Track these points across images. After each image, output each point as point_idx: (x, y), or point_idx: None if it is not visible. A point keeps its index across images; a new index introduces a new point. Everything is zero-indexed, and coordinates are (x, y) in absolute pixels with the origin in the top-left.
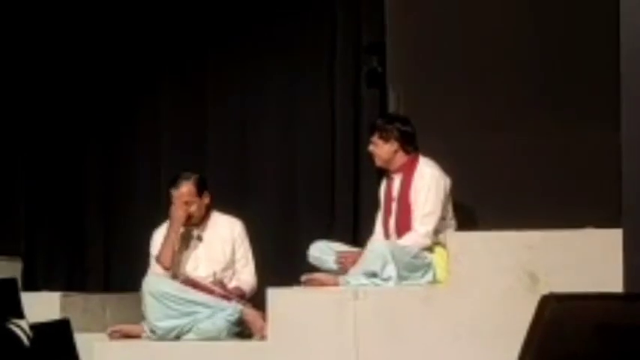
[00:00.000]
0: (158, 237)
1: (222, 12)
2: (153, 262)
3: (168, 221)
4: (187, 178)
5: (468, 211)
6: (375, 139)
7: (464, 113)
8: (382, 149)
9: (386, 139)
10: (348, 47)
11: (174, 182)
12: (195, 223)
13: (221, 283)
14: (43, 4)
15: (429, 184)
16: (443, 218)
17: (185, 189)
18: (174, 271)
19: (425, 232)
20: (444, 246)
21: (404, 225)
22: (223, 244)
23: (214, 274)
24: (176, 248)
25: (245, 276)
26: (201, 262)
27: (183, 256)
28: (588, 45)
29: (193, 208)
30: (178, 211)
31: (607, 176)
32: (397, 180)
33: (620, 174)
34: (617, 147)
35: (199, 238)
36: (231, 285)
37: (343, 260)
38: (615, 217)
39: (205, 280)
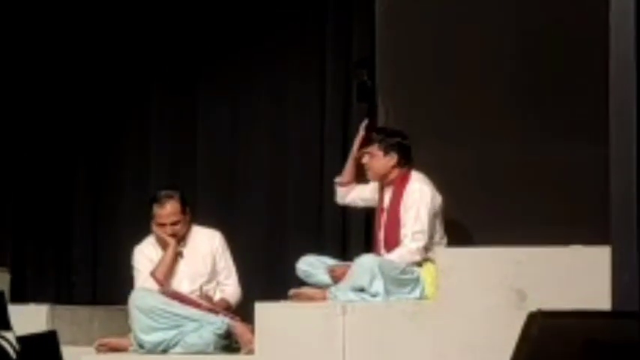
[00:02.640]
0: (140, 252)
1: (212, 25)
2: (140, 276)
3: (149, 237)
4: (171, 197)
5: (456, 225)
6: (375, 150)
7: (452, 127)
8: (379, 162)
9: (386, 152)
10: (337, 61)
11: (157, 200)
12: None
13: (207, 297)
14: (35, 17)
15: (419, 200)
16: (431, 236)
17: (171, 208)
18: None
19: (415, 249)
20: (432, 262)
21: (391, 239)
22: (204, 258)
23: (200, 287)
24: (171, 264)
25: (229, 287)
26: (185, 278)
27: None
28: (576, 58)
29: (179, 227)
30: (166, 236)
31: (595, 192)
32: (388, 193)
33: (608, 190)
34: (605, 162)
35: (180, 254)
36: (216, 297)
37: (334, 273)
38: (603, 234)
39: (191, 294)
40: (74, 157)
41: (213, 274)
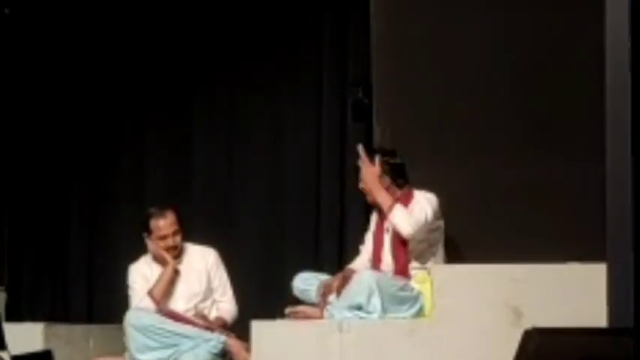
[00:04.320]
0: (136, 271)
1: (208, 46)
2: (135, 295)
3: (145, 256)
4: (167, 207)
5: (453, 243)
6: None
7: (449, 146)
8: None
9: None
10: (333, 80)
11: (155, 215)
12: (174, 256)
13: (203, 315)
14: (33, 35)
15: (426, 202)
16: (433, 254)
17: (172, 217)
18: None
19: (414, 221)
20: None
21: (401, 257)
22: (199, 276)
23: (195, 306)
24: (169, 283)
25: (225, 304)
26: (180, 297)
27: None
28: (573, 77)
29: (179, 238)
30: (166, 254)
31: (592, 210)
32: None
33: (604, 207)
34: (602, 180)
35: (176, 273)
36: (212, 315)
37: (324, 291)
38: (599, 251)
39: (186, 313)
40: (71, 178)
41: (208, 292)
